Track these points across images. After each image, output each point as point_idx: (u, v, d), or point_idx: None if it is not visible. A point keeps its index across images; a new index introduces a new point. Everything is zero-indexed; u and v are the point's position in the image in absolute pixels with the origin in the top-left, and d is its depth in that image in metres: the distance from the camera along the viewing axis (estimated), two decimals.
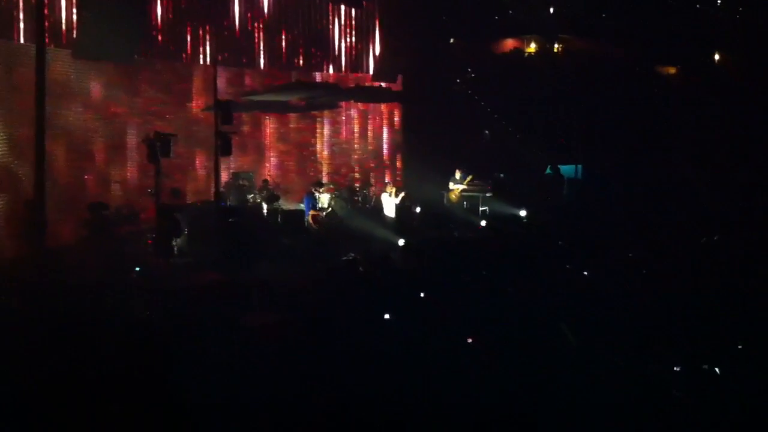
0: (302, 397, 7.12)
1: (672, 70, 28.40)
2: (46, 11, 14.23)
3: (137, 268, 14.17)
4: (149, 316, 8.91)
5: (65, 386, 6.91)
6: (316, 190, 19.49)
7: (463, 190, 21.70)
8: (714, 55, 28.56)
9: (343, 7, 23.22)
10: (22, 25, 16.10)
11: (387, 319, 9.88)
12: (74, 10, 17.14)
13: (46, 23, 14.25)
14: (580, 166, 24.03)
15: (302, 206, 19.49)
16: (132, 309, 8.88)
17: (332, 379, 7.53)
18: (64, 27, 17.13)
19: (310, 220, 18.71)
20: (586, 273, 12.50)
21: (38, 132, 12.62)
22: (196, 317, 9.06)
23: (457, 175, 21.90)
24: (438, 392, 7.37)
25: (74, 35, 16.99)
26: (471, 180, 21.64)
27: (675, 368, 8.15)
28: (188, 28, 20.09)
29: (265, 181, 20.39)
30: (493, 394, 7.40)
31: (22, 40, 16.08)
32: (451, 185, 21.96)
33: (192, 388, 7.13)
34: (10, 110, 15.52)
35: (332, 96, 21.64)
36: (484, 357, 8.38)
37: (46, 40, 13.70)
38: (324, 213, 18.96)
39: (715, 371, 8.05)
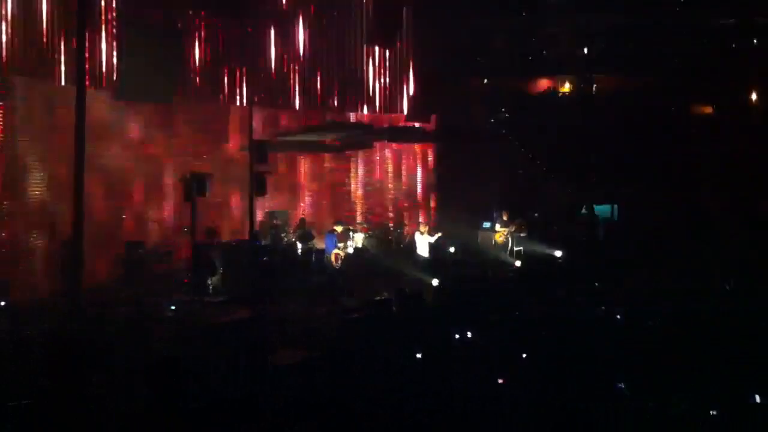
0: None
1: (708, 110, 28.14)
2: (86, 54, 14.58)
3: (172, 306, 14.28)
4: (178, 351, 9.00)
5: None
6: (335, 229, 19.20)
7: (510, 232, 21.18)
8: (751, 94, 28.27)
9: (377, 48, 23.47)
10: (63, 67, 16.52)
11: (418, 359, 9.82)
12: (114, 53, 17.55)
13: (87, 66, 14.58)
14: (615, 206, 23.80)
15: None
16: (163, 344, 8.98)
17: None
18: (104, 69, 17.54)
19: (332, 259, 18.53)
20: (619, 316, 12.34)
21: (78, 172, 12.86)
22: (225, 353, 9.13)
23: (504, 216, 21.50)
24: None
25: (114, 77, 17.38)
26: (519, 222, 21.21)
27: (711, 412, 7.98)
28: (225, 70, 20.48)
29: (302, 219, 20.39)
30: None
31: (63, 82, 16.47)
32: (497, 227, 21.52)
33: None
34: (50, 150, 15.86)
35: (366, 136, 21.79)
36: (515, 397, 8.28)
37: (87, 82, 14.04)
38: (343, 252, 18.68)
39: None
